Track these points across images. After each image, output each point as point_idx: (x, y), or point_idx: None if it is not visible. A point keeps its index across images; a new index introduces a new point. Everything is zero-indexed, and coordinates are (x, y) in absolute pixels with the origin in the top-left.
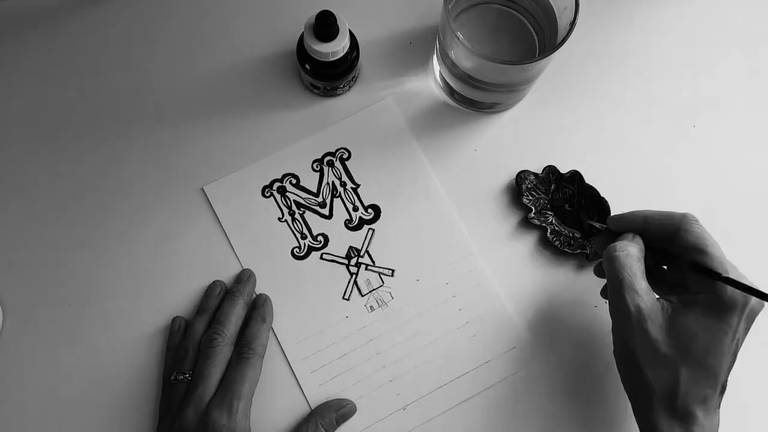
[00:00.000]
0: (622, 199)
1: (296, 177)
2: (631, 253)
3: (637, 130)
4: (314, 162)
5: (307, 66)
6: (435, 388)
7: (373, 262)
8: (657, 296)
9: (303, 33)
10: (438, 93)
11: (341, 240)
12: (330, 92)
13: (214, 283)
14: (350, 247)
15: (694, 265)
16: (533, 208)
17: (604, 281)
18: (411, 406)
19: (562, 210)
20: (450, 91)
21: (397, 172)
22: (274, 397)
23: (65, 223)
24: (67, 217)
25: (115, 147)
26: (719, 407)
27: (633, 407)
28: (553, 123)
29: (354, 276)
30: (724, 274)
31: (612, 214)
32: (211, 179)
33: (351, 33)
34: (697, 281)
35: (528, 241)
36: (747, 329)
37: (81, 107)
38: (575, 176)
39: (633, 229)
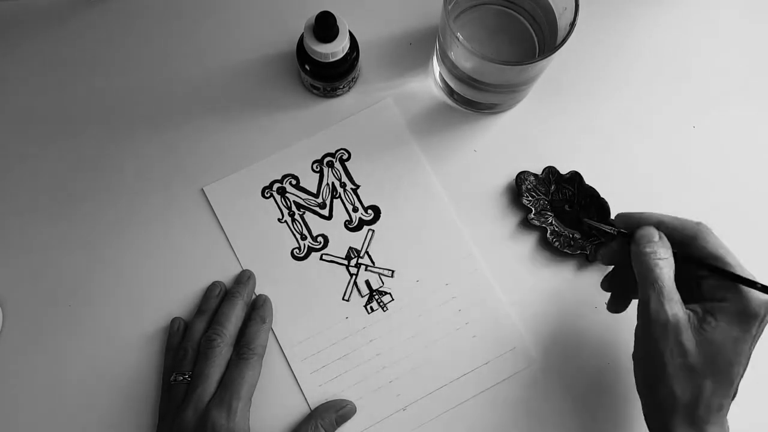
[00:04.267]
0: (622, 199)
1: (296, 178)
2: (666, 257)
3: (637, 131)
4: (314, 163)
5: (307, 67)
6: (435, 389)
7: (373, 262)
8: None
9: (303, 34)
10: (438, 94)
11: (341, 241)
12: (330, 93)
13: (214, 284)
14: (350, 248)
15: (725, 272)
16: (533, 208)
17: (603, 278)
18: (411, 407)
19: (562, 211)
20: (450, 91)
21: (397, 172)
22: (273, 398)
23: (65, 223)
24: (67, 218)
25: (115, 147)
26: (727, 414)
27: (645, 411)
28: (552, 124)
29: (354, 277)
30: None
31: (613, 215)
32: (211, 180)
33: (351, 34)
34: (715, 289)
35: (528, 242)
36: (760, 336)
37: (80, 107)
38: (575, 177)
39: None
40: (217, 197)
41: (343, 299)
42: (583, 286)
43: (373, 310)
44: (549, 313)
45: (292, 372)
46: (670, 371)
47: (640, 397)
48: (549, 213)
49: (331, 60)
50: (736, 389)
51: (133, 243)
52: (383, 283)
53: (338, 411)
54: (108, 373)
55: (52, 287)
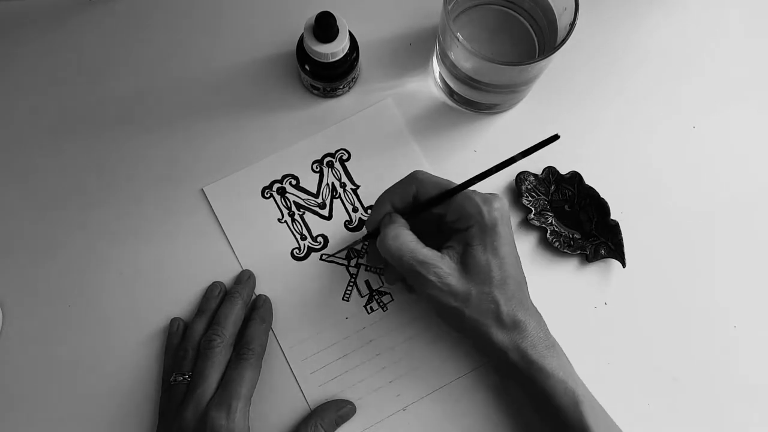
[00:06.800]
0: (622, 199)
1: (296, 178)
2: (398, 234)
3: (637, 131)
4: (314, 163)
5: (307, 67)
6: (435, 389)
7: None
8: (437, 251)
9: (303, 34)
10: (438, 94)
11: (341, 241)
12: (330, 93)
13: (214, 284)
14: (350, 248)
15: (430, 200)
16: (533, 209)
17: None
18: (411, 407)
19: (561, 211)
20: (450, 92)
21: (396, 173)
22: (273, 398)
23: (65, 223)
24: (67, 218)
25: (115, 148)
26: (530, 297)
27: (473, 343)
28: (552, 124)
29: (354, 277)
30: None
31: (613, 215)
32: (211, 180)
33: (351, 34)
34: (458, 220)
35: (528, 242)
36: (510, 225)
37: (81, 107)
38: (575, 177)
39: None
40: (217, 197)
41: (342, 299)
42: (582, 286)
43: (373, 310)
44: (548, 313)
45: (292, 372)
46: (462, 310)
47: (465, 337)
48: (549, 213)
49: (331, 60)
50: (524, 278)
51: (133, 243)
52: (383, 283)
53: (338, 411)
54: (108, 373)
55: (52, 287)
